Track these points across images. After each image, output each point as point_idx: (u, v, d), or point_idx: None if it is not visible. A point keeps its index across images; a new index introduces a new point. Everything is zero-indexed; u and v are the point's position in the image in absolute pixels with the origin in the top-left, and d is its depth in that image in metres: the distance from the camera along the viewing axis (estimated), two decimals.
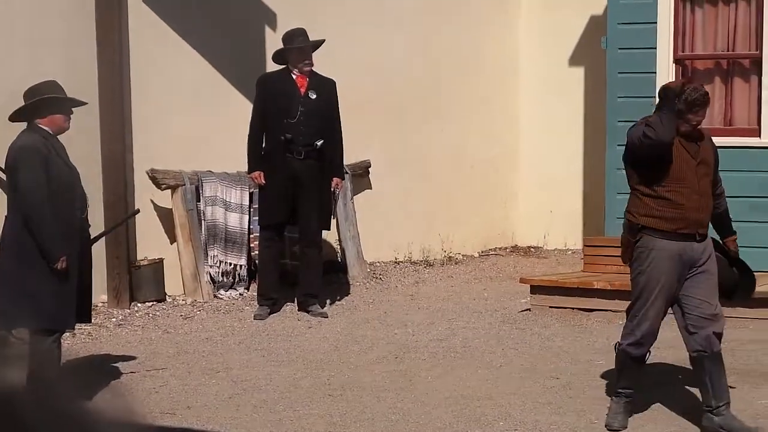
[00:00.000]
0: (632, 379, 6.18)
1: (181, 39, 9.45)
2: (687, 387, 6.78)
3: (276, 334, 8.29)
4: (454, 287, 10.26)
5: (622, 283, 8.62)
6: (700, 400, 6.29)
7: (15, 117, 6.32)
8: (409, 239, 10.84)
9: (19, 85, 6.61)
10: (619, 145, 9.72)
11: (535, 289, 9.11)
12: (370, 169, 10.51)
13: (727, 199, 9.23)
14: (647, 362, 6.66)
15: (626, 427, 6.10)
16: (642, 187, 6.05)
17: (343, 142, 8.93)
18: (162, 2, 9.32)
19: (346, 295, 9.50)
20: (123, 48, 8.87)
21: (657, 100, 6.23)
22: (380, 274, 10.35)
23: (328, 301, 8.93)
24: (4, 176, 7.92)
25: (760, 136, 9.63)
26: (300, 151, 8.28)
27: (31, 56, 8.23)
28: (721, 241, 6.61)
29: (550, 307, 9.02)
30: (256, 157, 8.27)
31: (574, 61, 11.67)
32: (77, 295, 6.34)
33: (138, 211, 8.28)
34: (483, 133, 11.71)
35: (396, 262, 10.62)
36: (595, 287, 9.03)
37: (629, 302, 6.42)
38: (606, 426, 6.18)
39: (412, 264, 10.78)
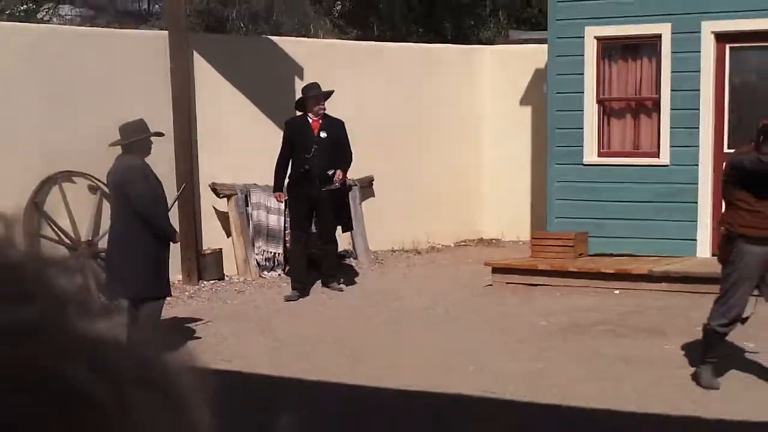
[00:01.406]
0: (718, 351, 5.64)
1: (234, 88, 9.29)
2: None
3: (306, 303, 8.27)
4: (437, 269, 9.91)
5: (561, 265, 8.79)
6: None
7: (126, 146, 6.21)
8: (403, 234, 10.55)
9: (119, 121, 6.41)
10: (557, 163, 9.52)
11: (496, 270, 8.90)
12: (373, 182, 10.34)
13: (639, 204, 9.09)
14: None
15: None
16: (741, 203, 5.46)
17: (353, 162, 8.66)
18: (221, 63, 9.22)
19: (357, 276, 9.32)
20: (191, 95, 8.75)
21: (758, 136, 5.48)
22: (381, 260, 10.12)
23: (343, 280, 8.88)
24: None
25: (659, 158, 9.15)
26: (315, 179, 8.13)
27: (128, 102, 8.05)
28: None
29: (507, 283, 8.78)
30: (279, 182, 8.10)
31: (524, 102, 10.79)
32: None
33: (185, 186, 8.08)
34: (458, 157, 11.00)
35: (393, 251, 10.41)
36: (540, 268, 8.81)
37: (718, 294, 5.67)
38: (707, 387, 5.61)
39: (405, 252, 10.54)
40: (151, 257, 5.98)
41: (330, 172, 8.13)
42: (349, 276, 9.18)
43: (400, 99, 10.75)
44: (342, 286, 8.56)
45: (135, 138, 5.95)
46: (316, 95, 8.19)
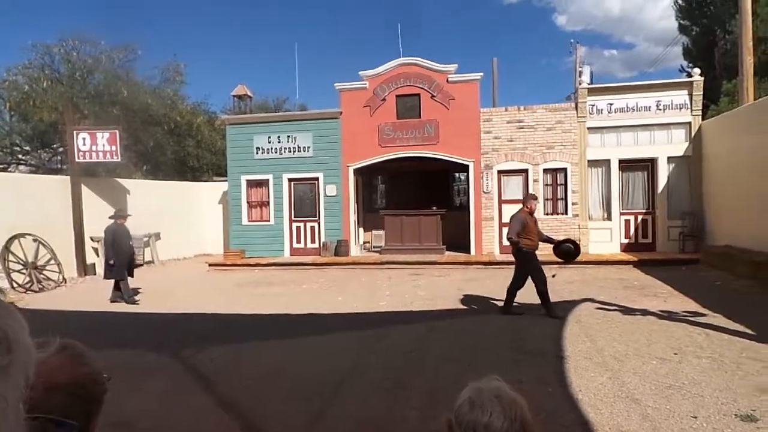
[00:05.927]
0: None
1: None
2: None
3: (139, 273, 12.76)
4: (190, 264, 15.49)
5: (235, 261, 13.66)
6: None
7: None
8: (179, 252, 16.18)
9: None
10: (232, 224, 14.97)
11: (211, 265, 14.24)
12: (160, 235, 15.25)
13: (262, 240, 14.05)
14: None
15: None
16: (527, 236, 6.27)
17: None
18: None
19: (157, 268, 13.97)
20: None
21: None
22: (164, 263, 15.09)
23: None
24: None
25: (270, 222, 14.98)
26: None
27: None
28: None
29: (216, 269, 13.82)
30: None
31: (221, 202, 17.73)
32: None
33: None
34: (207, 221, 17.54)
35: (173, 259, 15.46)
36: (228, 263, 14.01)
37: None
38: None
39: (179, 259, 16.10)
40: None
41: None
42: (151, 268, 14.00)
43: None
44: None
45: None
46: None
